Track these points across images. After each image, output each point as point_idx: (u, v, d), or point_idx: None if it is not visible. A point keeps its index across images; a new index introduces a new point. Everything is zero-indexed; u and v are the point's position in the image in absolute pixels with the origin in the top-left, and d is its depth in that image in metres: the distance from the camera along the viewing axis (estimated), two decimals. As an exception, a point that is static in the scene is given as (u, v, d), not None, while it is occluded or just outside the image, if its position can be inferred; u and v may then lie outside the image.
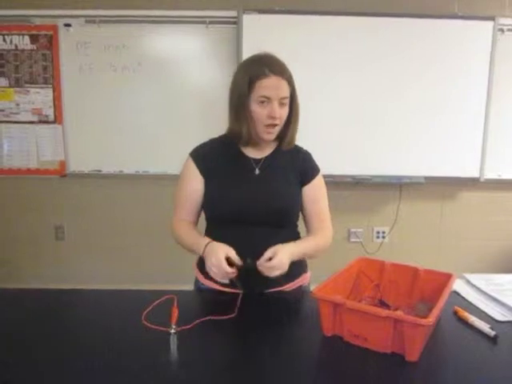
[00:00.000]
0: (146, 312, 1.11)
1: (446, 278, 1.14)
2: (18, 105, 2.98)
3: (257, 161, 1.34)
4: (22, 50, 2.92)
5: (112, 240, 3.21)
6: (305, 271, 1.43)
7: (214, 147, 1.36)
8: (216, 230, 1.34)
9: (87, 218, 3.19)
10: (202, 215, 1.41)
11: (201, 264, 1.35)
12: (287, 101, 1.25)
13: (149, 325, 1.05)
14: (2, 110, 2.99)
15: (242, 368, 0.92)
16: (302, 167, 1.37)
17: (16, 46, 2.92)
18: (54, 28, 2.88)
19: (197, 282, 1.41)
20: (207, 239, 1.25)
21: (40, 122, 3.01)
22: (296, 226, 1.40)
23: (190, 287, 1.31)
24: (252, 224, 1.28)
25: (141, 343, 0.99)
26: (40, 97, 2.97)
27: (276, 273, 1.16)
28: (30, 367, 0.90)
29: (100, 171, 3.06)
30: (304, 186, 1.36)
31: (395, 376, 0.89)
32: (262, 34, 2.80)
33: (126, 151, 3.02)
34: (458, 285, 1.33)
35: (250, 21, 2.79)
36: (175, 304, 1.07)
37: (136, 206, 3.16)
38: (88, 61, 2.91)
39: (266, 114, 1.22)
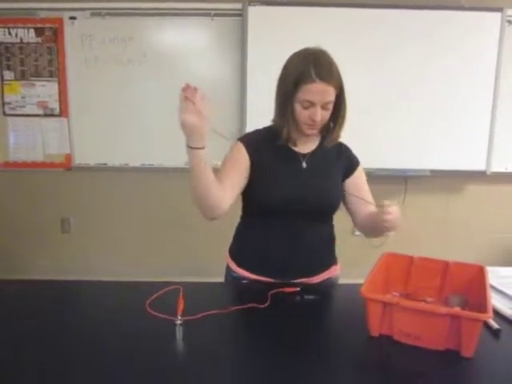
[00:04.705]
0: (150, 302, 1.12)
1: (477, 269, 1.16)
2: (23, 98, 2.99)
3: (302, 155, 1.33)
4: (28, 43, 2.93)
5: (118, 232, 3.23)
6: (335, 263, 1.44)
7: (263, 136, 1.34)
8: (255, 219, 1.34)
9: (93, 211, 3.20)
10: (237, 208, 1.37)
11: (234, 251, 1.41)
12: (331, 104, 1.24)
13: (155, 314, 1.06)
14: (9, 103, 3.00)
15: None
16: (346, 161, 1.38)
17: (21, 39, 2.92)
18: (60, 21, 2.88)
19: (229, 270, 1.42)
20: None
21: (45, 115, 3.02)
22: (332, 219, 1.41)
23: (197, 279, 1.31)
24: (294, 216, 1.28)
25: (147, 333, 1.00)
26: (45, 90, 2.98)
27: (396, 223, 1.13)
28: (35, 358, 0.91)
29: (105, 164, 3.07)
30: (348, 178, 1.37)
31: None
32: (267, 27, 2.79)
33: (132, 144, 3.03)
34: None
35: (255, 13, 2.77)
36: (181, 295, 1.07)
37: (141, 198, 3.17)
38: (93, 54, 2.91)
39: (308, 115, 1.21)
